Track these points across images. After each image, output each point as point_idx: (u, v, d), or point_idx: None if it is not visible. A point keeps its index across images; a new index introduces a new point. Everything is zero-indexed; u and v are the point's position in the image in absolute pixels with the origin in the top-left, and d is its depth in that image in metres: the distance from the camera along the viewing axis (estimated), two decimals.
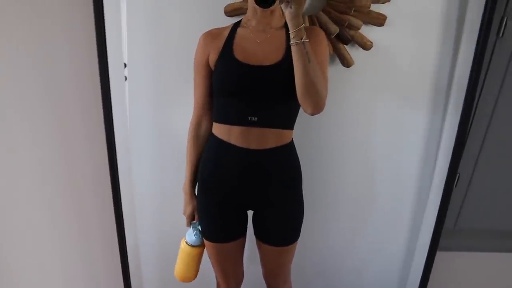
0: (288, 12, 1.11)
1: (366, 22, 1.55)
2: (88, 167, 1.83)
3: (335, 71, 1.63)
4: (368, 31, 1.57)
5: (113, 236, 1.82)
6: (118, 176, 1.72)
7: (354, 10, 1.52)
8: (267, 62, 1.23)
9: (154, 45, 1.62)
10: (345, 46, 1.59)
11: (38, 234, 1.91)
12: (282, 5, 1.12)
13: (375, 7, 1.54)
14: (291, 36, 1.13)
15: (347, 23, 1.52)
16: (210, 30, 1.35)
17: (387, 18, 1.55)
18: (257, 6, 1.14)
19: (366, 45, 1.57)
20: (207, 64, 1.31)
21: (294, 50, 1.15)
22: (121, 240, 1.82)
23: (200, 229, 1.46)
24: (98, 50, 1.52)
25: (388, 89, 1.68)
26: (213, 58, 1.30)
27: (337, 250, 1.96)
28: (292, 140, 1.35)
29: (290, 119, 1.33)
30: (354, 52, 1.60)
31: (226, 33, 1.31)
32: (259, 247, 1.46)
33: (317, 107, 1.20)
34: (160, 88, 1.67)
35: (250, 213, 1.44)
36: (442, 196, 1.74)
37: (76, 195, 1.88)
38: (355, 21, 1.53)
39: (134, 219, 1.87)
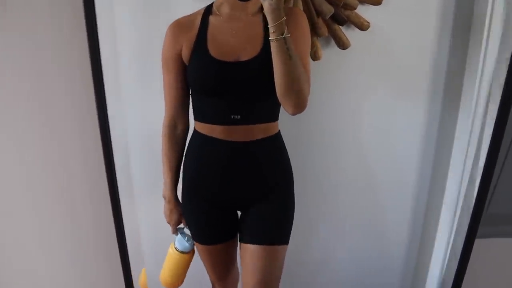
0: (267, 4, 0.99)
1: (363, 1, 1.48)
2: (82, 167, 1.74)
3: (330, 53, 1.56)
4: (364, 11, 1.50)
5: (113, 240, 1.68)
6: (115, 176, 1.56)
7: None
8: (244, 57, 1.14)
9: (141, 37, 1.54)
10: (340, 27, 1.52)
11: (31, 242, 1.84)
12: None
13: None
14: (270, 30, 1.03)
15: (342, 3, 1.45)
16: (178, 20, 1.22)
17: None
18: None
19: (363, 26, 1.50)
20: (179, 59, 1.21)
21: (273, 47, 1.05)
22: (122, 246, 1.67)
23: (190, 233, 1.37)
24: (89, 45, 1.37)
25: (387, 71, 1.61)
26: (186, 53, 1.20)
27: (342, 243, 1.90)
28: (279, 132, 1.29)
29: (275, 111, 1.27)
30: (350, 33, 1.53)
31: (197, 23, 1.20)
32: (244, 254, 1.29)
33: (299, 106, 1.12)
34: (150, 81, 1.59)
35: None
36: (482, 177, 1.54)
37: (71, 199, 1.80)
38: (351, 0, 1.46)
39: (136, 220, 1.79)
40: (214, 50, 1.15)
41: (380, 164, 1.75)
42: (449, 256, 1.79)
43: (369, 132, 1.70)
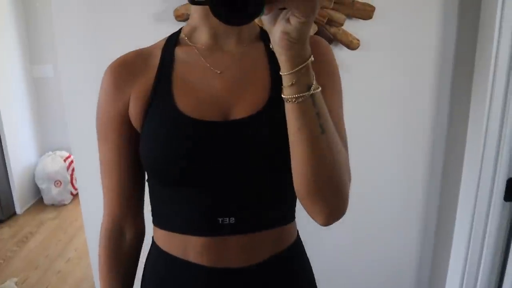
0: (281, 33, 0.53)
1: (351, 16, 1.36)
2: None
3: None
4: (353, 27, 1.37)
5: None
6: None
7: (334, 2, 1.33)
8: (239, 113, 0.69)
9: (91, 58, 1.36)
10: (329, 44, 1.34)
11: None
12: (266, 18, 0.54)
13: None
14: (286, 82, 0.56)
15: (327, 19, 1.33)
16: (123, 57, 0.75)
17: (376, 9, 1.34)
18: (215, 19, 0.51)
19: (352, 44, 1.38)
20: (124, 122, 0.74)
21: (292, 111, 0.58)
22: None
23: None
24: None
25: (383, 96, 1.46)
26: (136, 111, 0.72)
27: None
28: (298, 236, 0.84)
29: (291, 202, 0.79)
30: (338, 53, 1.37)
31: (154, 60, 0.74)
32: None
33: (337, 212, 0.66)
34: None
35: None
36: None
37: None
38: (337, 15, 1.34)
39: None
40: (185, 102, 0.69)
41: (382, 201, 1.59)
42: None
43: (365, 168, 1.52)
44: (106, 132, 0.75)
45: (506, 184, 1.37)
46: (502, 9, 1.24)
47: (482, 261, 1.46)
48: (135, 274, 0.87)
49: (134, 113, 0.72)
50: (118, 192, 0.78)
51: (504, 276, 1.44)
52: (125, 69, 0.73)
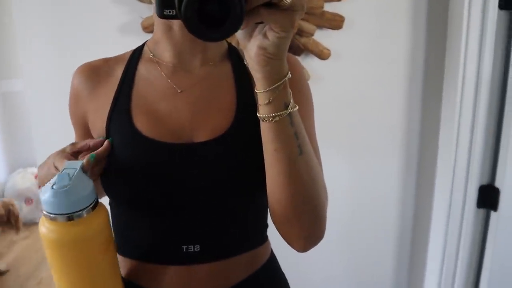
0: (257, 48, 0.48)
1: (321, 26, 1.34)
2: None
3: None
4: (323, 37, 1.36)
5: None
6: None
7: (305, 13, 1.26)
8: (201, 135, 0.65)
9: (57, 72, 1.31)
10: (297, 57, 1.32)
11: None
12: (241, 33, 0.50)
13: (329, 7, 1.33)
14: (261, 101, 0.53)
15: (297, 29, 1.31)
16: (91, 64, 0.73)
17: (346, 19, 1.34)
18: (186, 32, 0.45)
19: (322, 54, 1.37)
20: (87, 127, 0.73)
21: (268, 131, 0.55)
22: None
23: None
24: None
25: (355, 105, 1.44)
26: (96, 127, 0.70)
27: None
28: (273, 255, 0.80)
29: (260, 225, 0.76)
30: (308, 64, 1.37)
31: (118, 73, 0.70)
32: None
33: (315, 236, 0.62)
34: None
35: None
36: None
37: None
38: (307, 25, 1.33)
39: None
40: (144, 122, 0.65)
41: (355, 213, 1.57)
42: None
43: (335, 180, 1.50)
44: (73, 122, 0.75)
45: (478, 191, 1.38)
46: (468, 19, 1.25)
47: (458, 268, 1.46)
48: None
49: (95, 128, 0.70)
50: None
51: (479, 282, 1.45)
52: (86, 78, 0.71)
